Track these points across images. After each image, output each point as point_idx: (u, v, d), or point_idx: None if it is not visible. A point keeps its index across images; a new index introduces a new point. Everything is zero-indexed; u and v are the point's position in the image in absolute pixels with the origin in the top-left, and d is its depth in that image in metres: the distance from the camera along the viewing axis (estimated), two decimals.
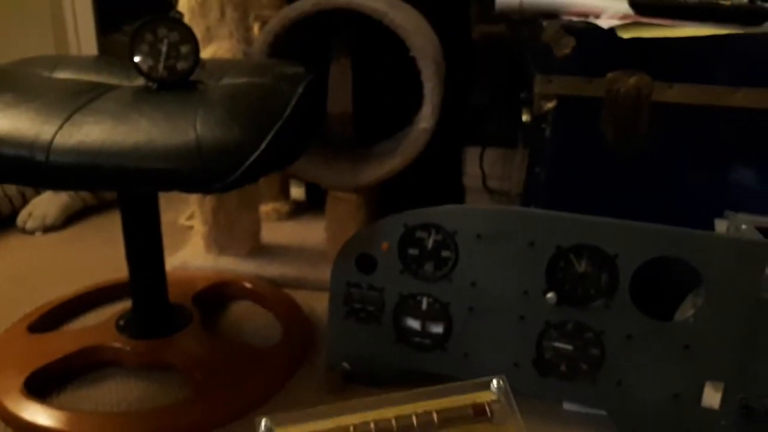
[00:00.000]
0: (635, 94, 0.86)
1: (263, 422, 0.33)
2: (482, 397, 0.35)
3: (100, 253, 1.28)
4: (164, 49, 0.78)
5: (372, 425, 0.33)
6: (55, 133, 0.67)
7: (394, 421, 0.33)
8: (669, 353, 0.75)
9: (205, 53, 1.07)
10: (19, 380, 0.84)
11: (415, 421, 0.33)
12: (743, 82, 0.85)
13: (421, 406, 0.34)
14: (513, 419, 0.34)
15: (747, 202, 0.89)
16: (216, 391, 0.84)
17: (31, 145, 0.67)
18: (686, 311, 0.77)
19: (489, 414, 0.34)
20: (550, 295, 0.77)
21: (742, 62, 0.86)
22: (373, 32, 1.03)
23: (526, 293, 0.79)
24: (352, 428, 0.33)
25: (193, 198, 1.25)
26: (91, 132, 0.67)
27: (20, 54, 0.96)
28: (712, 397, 0.75)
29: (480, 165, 1.37)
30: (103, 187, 0.76)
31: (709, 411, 0.75)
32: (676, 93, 0.87)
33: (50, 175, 0.67)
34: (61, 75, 0.85)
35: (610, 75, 0.86)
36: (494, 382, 0.35)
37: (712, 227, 0.88)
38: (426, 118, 1.03)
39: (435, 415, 0.34)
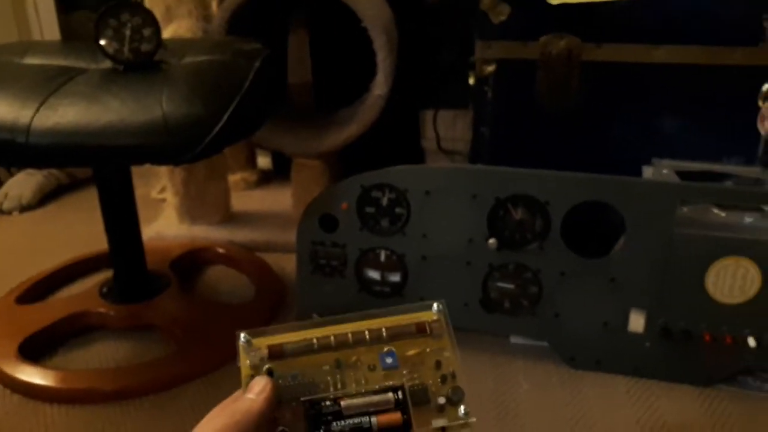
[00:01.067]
0: (566, 55, 0.94)
1: (242, 335, 0.40)
2: (424, 317, 0.42)
3: (76, 228, 1.34)
4: (128, 33, 0.83)
5: (332, 338, 0.40)
6: (33, 116, 0.73)
7: (350, 335, 0.41)
8: (598, 286, 0.85)
9: (167, 33, 1.12)
10: (13, 347, 0.90)
11: (367, 336, 0.40)
12: (663, 40, 0.94)
13: (374, 324, 0.41)
14: (448, 335, 0.42)
15: (672, 149, 0.98)
16: (196, 345, 0.92)
17: (11, 128, 0.72)
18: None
19: (428, 331, 0.41)
20: (491, 241, 0.86)
21: (662, 22, 0.94)
22: (328, 4, 1.09)
23: (471, 241, 0.88)
24: (315, 340, 0.40)
25: (164, 172, 1.31)
26: (66, 114, 0.73)
27: None
28: (636, 322, 0.85)
29: (434, 127, 1.44)
30: (80, 164, 0.82)
31: (635, 335, 0.86)
32: (604, 52, 0.95)
33: (31, 155, 0.73)
34: (32, 61, 0.89)
35: (543, 38, 0.94)
36: (435, 305, 0.43)
37: (641, 174, 0.97)
38: (380, 86, 1.10)
39: (384, 331, 0.41)
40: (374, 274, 0.94)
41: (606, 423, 0.79)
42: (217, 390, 0.85)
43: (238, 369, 0.39)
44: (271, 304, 1.04)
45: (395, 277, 0.93)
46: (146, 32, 0.83)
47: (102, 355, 0.93)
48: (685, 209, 0.86)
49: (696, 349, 0.84)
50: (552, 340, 0.90)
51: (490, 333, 0.94)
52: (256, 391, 0.38)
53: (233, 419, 0.36)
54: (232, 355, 0.81)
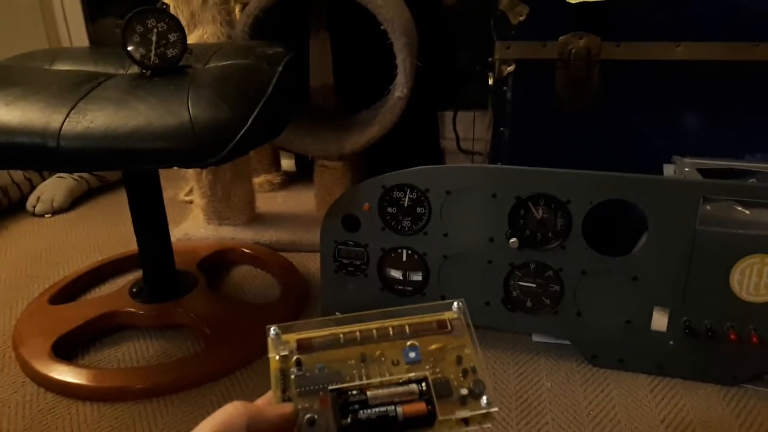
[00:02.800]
0: (586, 54, 0.94)
1: (272, 329, 0.42)
2: (445, 315, 0.43)
3: (106, 230, 1.38)
4: (154, 38, 0.86)
5: (357, 333, 0.42)
6: (63, 121, 0.75)
7: (375, 331, 0.42)
8: (620, 285, 0.85)
9: (191, 38, 1.14)
10: (47, 346, 0.93)
11: (391, 332, 0.42)
12: (683, 37, 0.93)
13: (396, 321, 0.43)
14: (468, 332, 0.43)
15: (693, 147, 0.97)
16: (224, 343, 0.94)
17: (42, 133, 0.75)
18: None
19: (449, 328, 0.42)
20: (512, 240, 0.87)
21: (681, 19, 0.93)
22: (348, 7, 1.10)
23: (492, 240, 0.88)
24: (341, 335, 0.42)
25: (191, 175, 1.33)
26: (96, 118, 0.76)
27: (16, 44, 1.03)
28: (659, 321, 0.85)
29: (453, 128, 1.45)
30: (109, 167, 0.84)
31: (658, 334, 0.85)
32: (623, 51, 0.95)
33: (61, 159, 0.75)
34: (61, 67, 0.92)
35: (562, 38, 0.94)
36: (455, 304, 0.44)
37: (662, 172, 0.97)
38: (400, 87, 1.11)
39: (407, 327, 0.42)
40: (396, 274, 0.95)
41: (630, 422, 0.79)
42: (245, 387, 0.87)
43: (268, 360, 0.41)
44: (296, 303, 1.06)
45: (417, 276, 0.94)
46: (172, 37, 0.85)
47: (132, 354, 0.96)
48: (708, 207, 0.85)
49: (721, 347, 0.83)
50: (574, 338, 0.90)
51: (512, 331, 0.95)
52: (282, 407, 0.38)
53: (250, 412, 0.36)
54: (259, 353, 0.83)
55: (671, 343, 0.85)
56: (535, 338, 0.94)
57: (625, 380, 0.87)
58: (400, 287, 0.95)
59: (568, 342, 0.91)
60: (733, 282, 0.81)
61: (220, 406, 0.38)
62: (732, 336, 0.82)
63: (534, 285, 0.89)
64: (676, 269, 0.82)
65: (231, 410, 0.37)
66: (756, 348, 0.82)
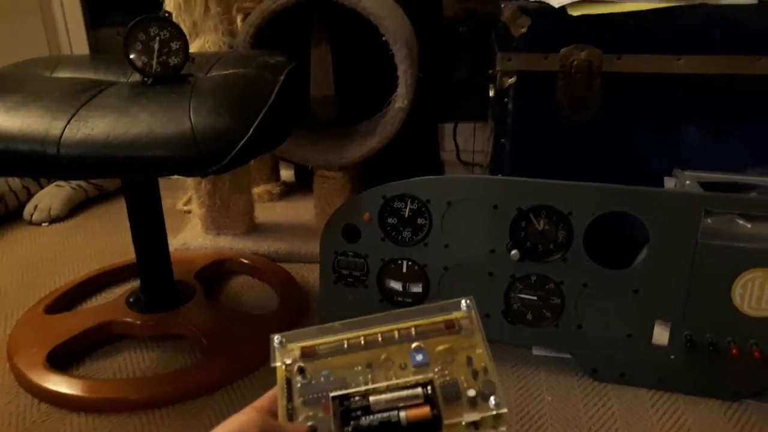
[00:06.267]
0: (587, 67, 0.94)
1: (276, 338, 0.41)
2: (453, 315, 0.42)
3: (103, 240, 1.37)
4: (156, 46, 0.85)
5: (362, 339, 0.41)
6: (64, 128, 0.75)
7: (380, 336, 0.41)
8: (621, 298, 0.85)
9: (193, 47, 1.14)
10: (42, 356, 0.92)
11: (397, 335, 0.41)
12: (684, 50, 0.93)
13: (402, 324, 0.42)
14: (478, 331, 0.42)
15: (694, 160, 0.97)
16: (222, 354, 0.93)
17: (42, 140, 0.74)
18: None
19: (458, 328, 0.41)
20: (513, 252, 0.86)
21: (683, 33, 0.94)
22: (351, 18, 1.10)
23: (493, 251, 0.88)
24: (345, 342, 0.41)
25: (190, 184, 1.33)
26: (96, 126, 0.75)
27: (16, 51, 1.03)
28: (661, 335, 0.85)
29: (453, 139, 1.45)
30: (109, 175, 0.83)
31: (659, 348, 0.85)
32: (624, 64, 0.95)
33: (61, 166, 0.75)
34: (62, 74, 0.92)
35: (563, 50, 0.94)
36: (463, 302, 0.43)
37: (662, 185, 0.97)
38: (401, 98, 1.11)
39: (413, 330, 0.41)
40: (396, 285, 0.95)
41: None
42: (242, 399, 0.86)
43: (266, 372, 0.40)
44: (294, 314, 1.05)
45: (417, 288, 0.94)
46: (174, 46, 0.85)
47: (129, 364, 0.95)
48: (709, 221, 0.85)
49: (723, 362, 0.83)
50: (575, 351, 0.89)
51: (513, 344, 0.94)
52: (297, 428, 0.37)
53: (265, 427, 0.36)
54: (257, 364, 0.82)
55: (672, 357, 0.85)
56: (536, 351, 0.94)
57: (625, 394, 0.86)
58: (399, 299, 0.94)
59: (568, 355, 0.90)
60: (735, 296, 0.81)
61: (217, 418, 0.37)
62: (734, 350, 0.81)
63: (535, 297, 0.88)
64: (678, 283, 0.82)
65: (245, 419, 0.35)
66: (758, 363, 0.81)
